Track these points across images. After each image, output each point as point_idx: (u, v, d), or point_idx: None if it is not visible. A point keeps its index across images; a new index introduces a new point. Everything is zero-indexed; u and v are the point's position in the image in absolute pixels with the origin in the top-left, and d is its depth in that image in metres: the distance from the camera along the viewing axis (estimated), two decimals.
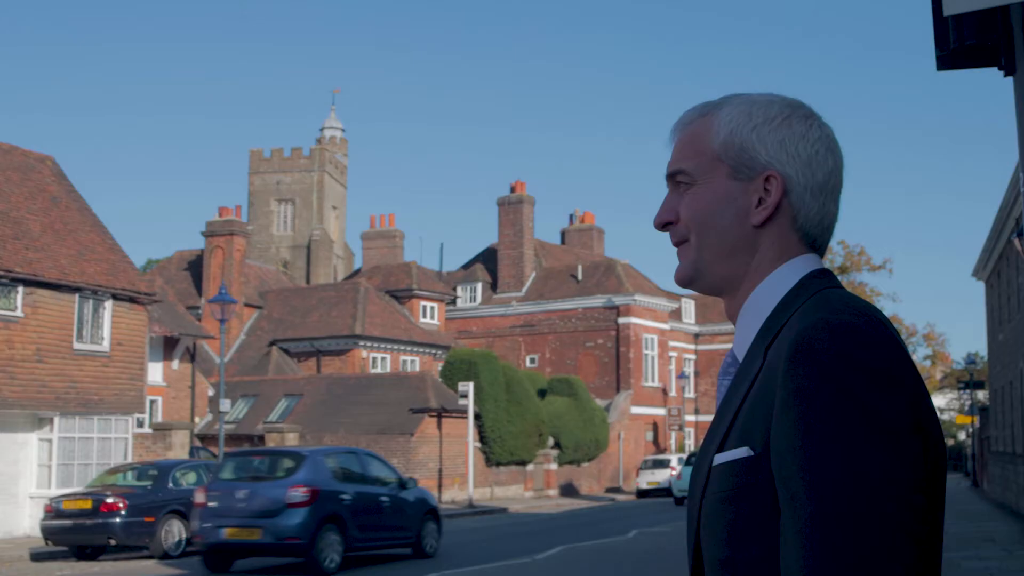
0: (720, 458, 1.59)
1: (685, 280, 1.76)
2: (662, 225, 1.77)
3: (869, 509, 1.39)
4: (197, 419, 43.63)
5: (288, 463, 18.97)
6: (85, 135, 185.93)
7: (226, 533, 17.78)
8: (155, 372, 40.43)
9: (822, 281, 1.65)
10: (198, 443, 38.72)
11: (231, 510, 17.85)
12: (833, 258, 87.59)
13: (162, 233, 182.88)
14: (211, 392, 45.41)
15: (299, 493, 17.80)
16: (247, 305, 54.91)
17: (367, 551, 19.84)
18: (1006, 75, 5.21)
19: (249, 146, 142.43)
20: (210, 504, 18.12)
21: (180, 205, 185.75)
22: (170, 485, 22.68)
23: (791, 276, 1.67)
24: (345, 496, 18.82)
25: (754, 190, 1.69)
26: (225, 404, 30.28)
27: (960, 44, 5.20)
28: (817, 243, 1.71)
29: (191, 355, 44.51)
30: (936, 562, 1.49)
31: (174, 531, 22.00)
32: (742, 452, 1.55)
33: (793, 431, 1.45)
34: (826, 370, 1.45)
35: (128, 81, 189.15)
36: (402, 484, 20.82)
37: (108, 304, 29.99)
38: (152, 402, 39.34)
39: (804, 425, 1.44)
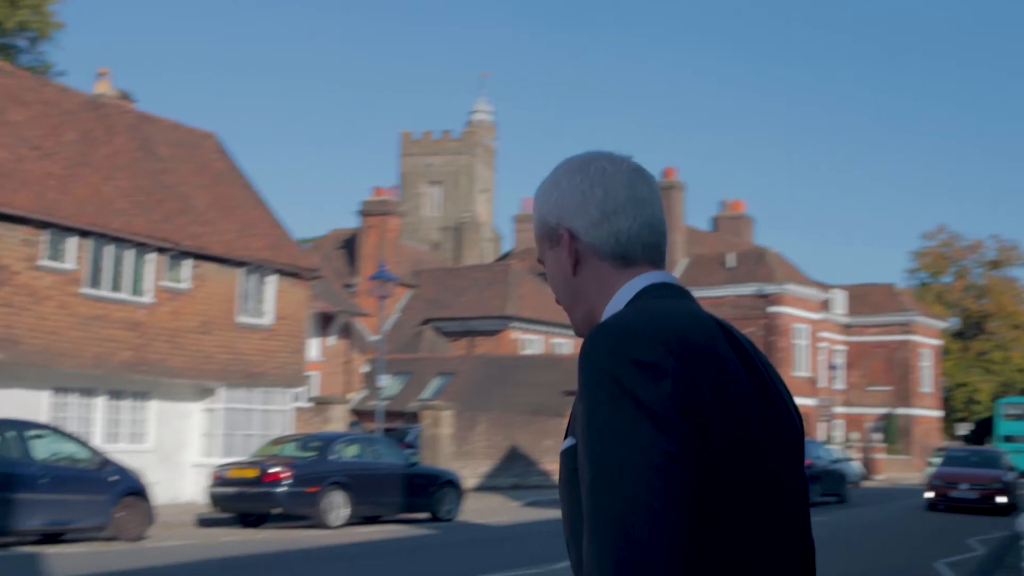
0: (563, 446, 1.87)
1: (581, 336, 2.01)
2: (559, 303, 2.11)
3: (627, 477, 1.62)
4: (350, 395, 44.26)
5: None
6: (242, 114, 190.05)
7: None
8: (311, 348, 41.10)
9: (653, 293, 1.94)
10: (353, 418, 39.27)
11: None
12: (985, 251, 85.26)
13: (313, 212, 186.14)
14: (364, 369, 46.02)
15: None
16: (401, 284, 55.50)
17: None
18: None
19: (400, 128, 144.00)
20: None
21: (332, 185, 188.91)
22: (333, 457, 22.97)
23: (628, 293, 1.96)
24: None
25: (562, 249, 2.04)
26: (383, 380, 30.61)
27: None
28: (631, 256, 2.01)
29: (346, 332, 45.19)
30: (723, 532, 1.70)
31: (336, 502, 22.28)
32: (570, 441, 1.83)
33: (581, 418, 1.72)
34: (602, 364, 1.71)
35: (282, 63, 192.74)
36: None
37: (271, 279, 30.54)
38: (307, 376, 40.02)
39: (587, 412, 1.70)
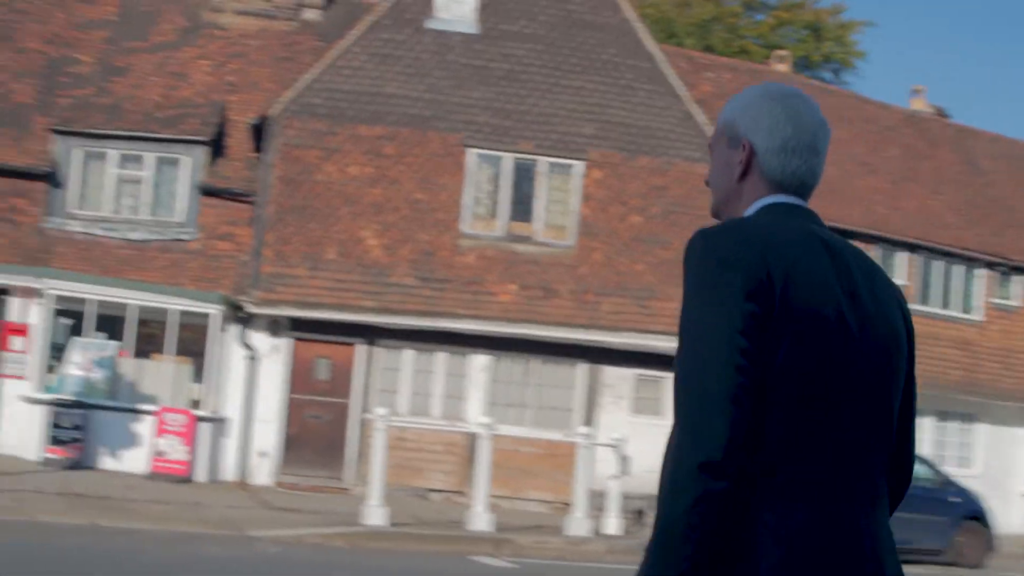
0: None
1: (712, 215, 2.50)
2: (706, 184, 2.57)
3: (699, 345, 2.11)
4: None
5: None
6: None
7: None
8: None
9: (773, 209, 2.35)
10: None
11: None
12: None
13: None
14: None
15: None
16: None
17: None
18: None
19: None
20: None
21: None
22: None
23: (756, 206, 2.37)
24: None
25: (738, 154, 2.41)
26: None
27: None
28: (786, 187, 2.38)
29: None
30: (786, 400, 2.14)
31: None
32: None
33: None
34: (693, 259, 2.20)
35: None
36: None
37: None
38: None
39: (683, 296, 2.20)
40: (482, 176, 21.07)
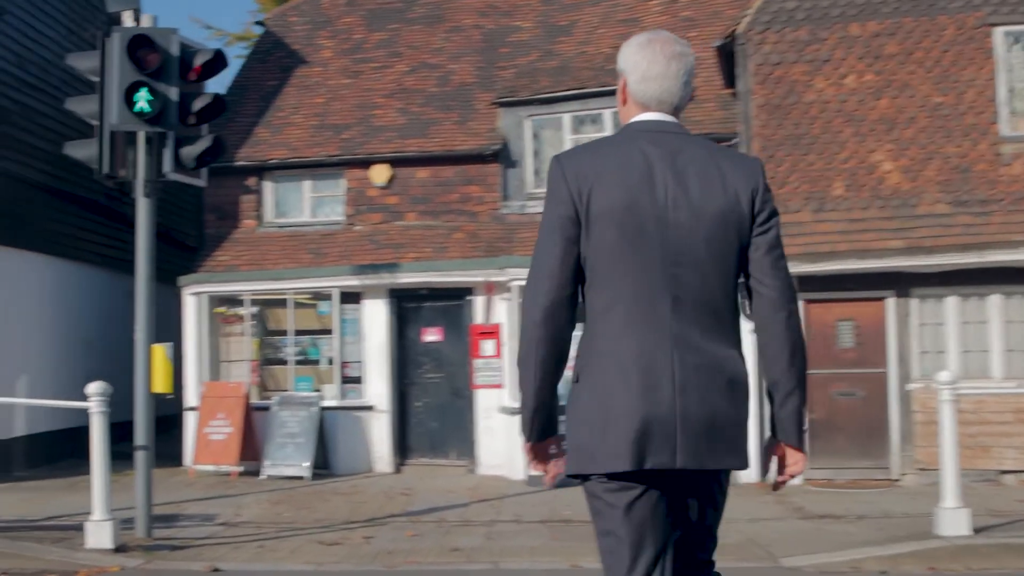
0: None
1: None
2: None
3: (542, 229, 3.47)
4: None
5: None
6: None
7: None
8: None
9: (630, 126, 3.60)
10: None
11: None
12: None
13: None
14: None
15: None
16: None
17: None
18: None
19: None
20: None
21: None
22: None
23: (625, 122, 3.65)
24: None
25: (620, 88, 3.67)
26: None
27: None
28: (647, 104, 3.58)
29: None
30: (601, 264, 3.43)
31: None
32: None
33: None
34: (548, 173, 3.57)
35: None
36: None
37: None
38: None
39: None
40: (1017, 59, 16.23)
